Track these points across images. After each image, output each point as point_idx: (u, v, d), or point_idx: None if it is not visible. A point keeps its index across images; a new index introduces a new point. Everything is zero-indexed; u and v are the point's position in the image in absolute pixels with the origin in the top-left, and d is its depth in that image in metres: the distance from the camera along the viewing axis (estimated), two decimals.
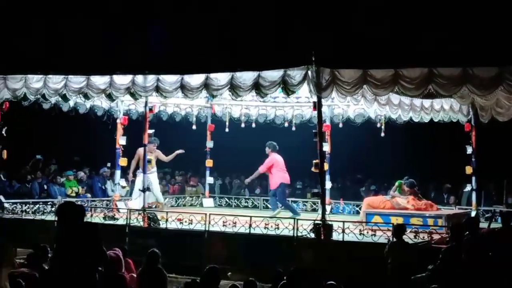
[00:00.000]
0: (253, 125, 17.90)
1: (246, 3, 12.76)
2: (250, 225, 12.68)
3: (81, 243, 7.67)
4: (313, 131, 12.66)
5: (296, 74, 12.21)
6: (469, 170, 15.51)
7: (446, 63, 11.55)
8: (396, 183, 14.83)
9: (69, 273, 7.59)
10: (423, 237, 11.95)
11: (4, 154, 14.90)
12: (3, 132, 14.86)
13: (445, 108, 15.41)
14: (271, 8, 12.49)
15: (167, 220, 13.39)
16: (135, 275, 9.79)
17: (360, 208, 15.33)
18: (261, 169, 15.77)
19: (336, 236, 12.04)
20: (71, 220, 7.78)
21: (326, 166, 13.30)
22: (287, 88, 12.38)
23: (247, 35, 12.58)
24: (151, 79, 13.33)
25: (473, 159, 15.53)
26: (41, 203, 15.32)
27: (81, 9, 14.19)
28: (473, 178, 15.61)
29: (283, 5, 12.39)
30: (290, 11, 12.31)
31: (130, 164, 15.64)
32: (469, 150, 15.55)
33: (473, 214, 14.96)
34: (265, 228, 12.62)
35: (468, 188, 16.20)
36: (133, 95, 13.80)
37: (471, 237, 9.79)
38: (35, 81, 14.29)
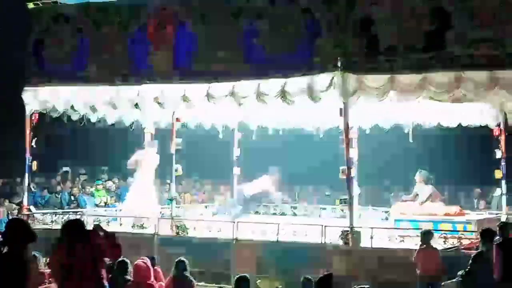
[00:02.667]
0: (280, 132, 17.86)
1: (271, 10, 12.77)
2: (278, 232, 12.68)
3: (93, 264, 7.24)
4: (340, 137, 12.63)
5: (322, 80, 12.20)
6: (498, 174, 15.33)
7: (475, 66, 11.47)
8: None
9: None
10: (453, 242, 11.84)
11: (34, 165, 15.00)
12: (33, 144, 14.97)
13: (474, 112, 15.27)
14: (296, 14, 12.49)
15: (195, 229, 13.43)
16: (164, 284, 9.85)
17: (388, 214, 15.24)
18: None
19: (364, 242, 11.99)
20: (74, 237, 7.22)
21: (353, 173, 13.24)
22: (314, 94, 12.37)
23: (272, 41, 12.60)
24: (178, 88, 13.42)
25: (502, 163, 15.35)
26: (70, 213, 15.47)
27: (109, 20, 14.30)
28: (503, 182, 15.43)
29: (308, 11, 12.37)
30: (315, 17, 12.29)
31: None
32: (499, 154, 15.37)
33: (503, 218, 14.78)
34: (293, 235, 12.60)
35: (498, 192, 16.00)
36: (160, 104, 13.87)
37: (501, 242, 9.69)
38: (64, 92, 14.47)
